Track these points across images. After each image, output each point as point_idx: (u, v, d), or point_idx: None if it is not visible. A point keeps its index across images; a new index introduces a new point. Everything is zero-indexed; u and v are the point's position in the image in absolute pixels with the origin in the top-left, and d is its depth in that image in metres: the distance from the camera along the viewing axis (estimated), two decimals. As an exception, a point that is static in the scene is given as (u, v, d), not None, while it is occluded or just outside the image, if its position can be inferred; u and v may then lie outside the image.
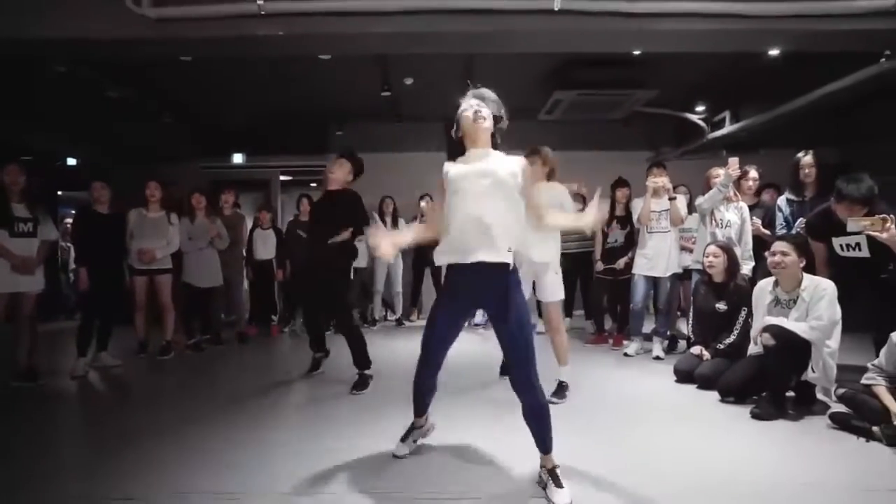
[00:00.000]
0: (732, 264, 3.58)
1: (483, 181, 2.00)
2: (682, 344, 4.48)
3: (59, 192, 7.53)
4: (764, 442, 2.51)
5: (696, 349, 3.59)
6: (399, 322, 6.19)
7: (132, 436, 2.65)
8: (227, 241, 4.94)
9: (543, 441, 2.00)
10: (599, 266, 4.98)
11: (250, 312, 5.71)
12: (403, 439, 2.38)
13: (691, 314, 3.80)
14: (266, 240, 5.58)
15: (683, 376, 3.52)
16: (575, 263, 5.70)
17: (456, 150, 2.14)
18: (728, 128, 5.67)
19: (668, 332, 4.55)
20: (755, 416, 2.80)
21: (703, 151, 6.53)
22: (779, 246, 2.98)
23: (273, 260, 5.59)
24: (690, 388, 3.41)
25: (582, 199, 5.75)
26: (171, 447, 2.47)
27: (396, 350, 4.76)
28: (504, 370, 3.45)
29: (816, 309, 2.78)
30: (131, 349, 4.49)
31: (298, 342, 5.31)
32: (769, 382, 2.87)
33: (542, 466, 2.03)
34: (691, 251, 4.52)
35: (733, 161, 3.84)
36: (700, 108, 5.85)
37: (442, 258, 2.08)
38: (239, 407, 3.12)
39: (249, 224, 5.70)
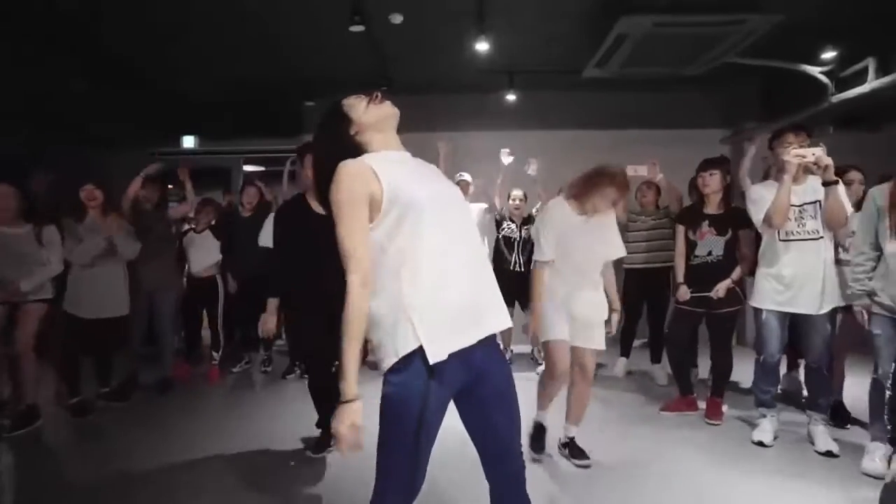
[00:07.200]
0: None
1: (446, 194, 1.31)
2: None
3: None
4: None
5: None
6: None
7: None
8: (131, 248, 3.40)
9: None
10: (683, 292, 3.21)
11: (186, 346, 4.18)
12: None
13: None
14: (201, 247, 4.00)
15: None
16: (641, 282, 3.96)
17: (341, 151, 1.28)
18: (872, 83, 3.80)
19: (832, 399, 2.85)
20: None
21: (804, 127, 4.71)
22: None
23: (217, 276, 4.07)
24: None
25: (656, 189, 3.98)
26: None
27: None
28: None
29: None
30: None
31: (255, 389, 3.85)
32: None
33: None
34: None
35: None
36: (827, 56, 3.97)
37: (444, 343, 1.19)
38: None
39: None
